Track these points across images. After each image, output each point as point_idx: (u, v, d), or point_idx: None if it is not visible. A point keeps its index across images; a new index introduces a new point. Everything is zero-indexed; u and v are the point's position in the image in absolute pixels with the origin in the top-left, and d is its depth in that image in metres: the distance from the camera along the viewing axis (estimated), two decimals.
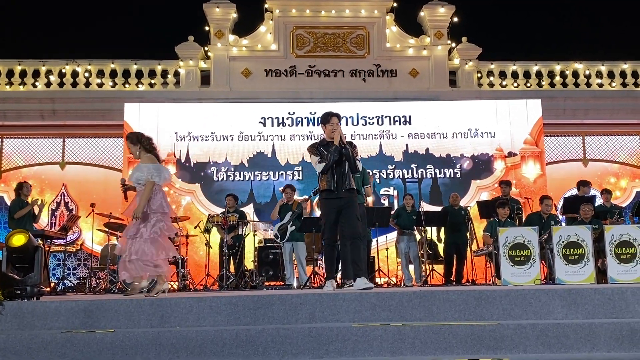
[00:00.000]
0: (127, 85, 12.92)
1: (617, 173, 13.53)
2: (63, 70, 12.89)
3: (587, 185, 10.21)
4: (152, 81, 13.00)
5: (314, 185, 10.43)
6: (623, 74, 13.51)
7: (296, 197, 10.08)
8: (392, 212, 10.23)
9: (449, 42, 13.30)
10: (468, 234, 9.94)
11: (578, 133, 13.63)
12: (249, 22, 13.37)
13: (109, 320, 4.51)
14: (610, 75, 13.51)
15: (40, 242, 9.09)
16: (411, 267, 9.94)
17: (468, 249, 9.97)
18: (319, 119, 6.69)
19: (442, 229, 10.20)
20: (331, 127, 6.13)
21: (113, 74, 12.98)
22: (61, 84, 12.85)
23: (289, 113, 12.32)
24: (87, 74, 12.91)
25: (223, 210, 9.71)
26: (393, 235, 10.46)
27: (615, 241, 7.37)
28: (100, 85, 12.90)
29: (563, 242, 7.41)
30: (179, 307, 4.56)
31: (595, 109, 13.21)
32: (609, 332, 4.22)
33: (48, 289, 8.89)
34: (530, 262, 7.37)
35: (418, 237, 9.92)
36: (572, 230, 7.55)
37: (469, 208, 10.44)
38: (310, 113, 12.31)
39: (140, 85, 12.94)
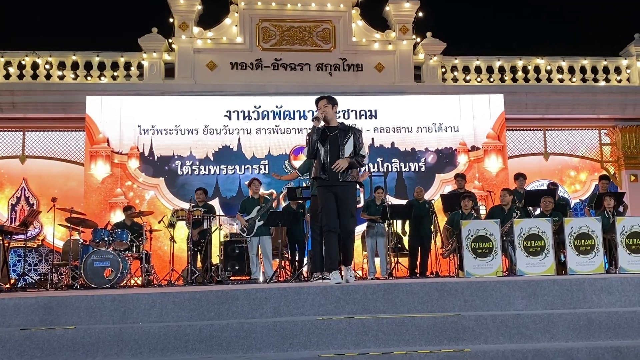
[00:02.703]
0: (89, 78, 12.67)
1: (577, 167, 13.83)
2: (23, 62, 12.58)
3: (520, 179, 10.41)
4: (115, 73, 12.77)
5: (271, 175, 10.42)
6: (583, 70, 13.78)
7: (262, 190, 10.04)
8: (360, 205, 10.27)
9: (414, 37, 13.39)
10: (432, 227, 10.04)
11: (539, 127, 13.88)
12: (214, 14, 13.25)
13: (70, 316, 4.44)
14: (571, 70, 13.77)
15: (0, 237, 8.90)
16: (377, 260, 10.00)
17: (432, 241, 10.08)
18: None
19: (407, 222, 10.29)
20: (318, 110, 5.92)
21: (75, 66, 12.71)
22: (21, 76, 12.54)
23: (255, 106, 12.25)
24: (47, 66, 12.62)
25: (188, 204, 9.60)
26: (359, 228, 10.47)
27: (574, 233, 7.55)
28: (61, 77, 12.62)
29: (524, 234, 7.55)
30: (142, 303, 4.51)
31: (556, 103, 13.46)
32: (567, 322, 4.32)
33: (8, 286, 8.72)
34: (492, 254, 7.49)
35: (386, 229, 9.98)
36: (532, 223, 7.70)
37: (433, 201, 10.54)
38: (277, 106, 12.27)
39: (102, 78, 12.70)
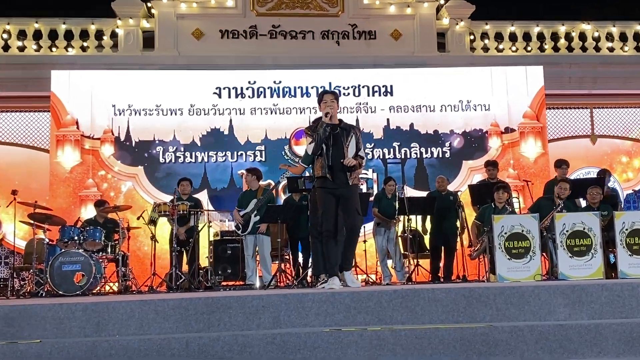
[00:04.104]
0: (54, 49, 12.68)
1: (629, 151, 13.78)
2: None
3: (563, 167, 10.30)
4: (85, 44, 12.77)
5: (278, 167, 10.46)
6: (637, 37, 13.71)
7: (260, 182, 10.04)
8: (371, 199, 10.27)
9: None
10: (458, 223, 10.03)
11: (585, 105, 13.83)
12: None
13: (35, 329, 4.46)
14: (623, 38, 13.70)
15: None
16: (390, 263, 10.02)
17: (458, 240, 10.06)
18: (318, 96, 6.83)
19: (428, 217, 10.29)
20: (324, 105, 6.46)
21: (37, 35, 12.72)
22: None
23: (249, 82, 12.24)
24: (5, 35, 12.63)
25: (172, 197, 9.61)
26: (368, 226, 10.49)
27: (626, 230, 7.50)
28: (21, 49, 12.64)
29: (567, 231, 7.50)
30: (119, 312, 4.54)
31: (605, 77, 13.38)
32: (617, 334, 4.32)
33: None
34: (529, 254, 7.46)
35: (400, 227, 9.98)
36: (577, 218, 7.65)
37: (459, 193, 10.52)
38: (274, 82, 12.25)
39: (70, 49, 12.71)
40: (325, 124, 6.34)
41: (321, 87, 12.24)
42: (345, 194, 6.35)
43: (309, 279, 8.78)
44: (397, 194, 9.89)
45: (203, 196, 11.43)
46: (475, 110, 12.44)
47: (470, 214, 10.08)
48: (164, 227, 10.32)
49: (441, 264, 10.07)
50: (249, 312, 4.60)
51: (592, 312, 4.75)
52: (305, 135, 6.67)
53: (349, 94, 12.27)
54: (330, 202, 6.35)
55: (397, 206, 9.66)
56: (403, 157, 12.25)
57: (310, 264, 9.07)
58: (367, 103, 12.30)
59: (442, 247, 10.05)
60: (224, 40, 12.87)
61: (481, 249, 9.02)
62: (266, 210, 9.05)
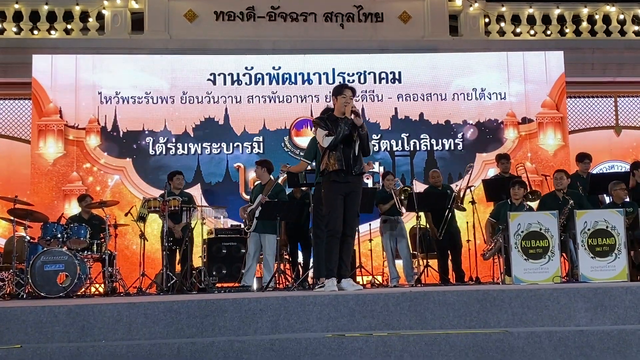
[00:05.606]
0: (36, 32, 12.68)
1: None
2: None
3: (586, 160, 10.27)
4: (69, 26, 12.76)
5: (277, 160, 10.47)
6: None
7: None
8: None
9: None
10: (457, 218, 10.08)
11: (609, 94, 13.80)
12: None
13: (15, 333, 4.47)
14: None
15: None
16: (399, 263, 10.02)
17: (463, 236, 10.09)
18: (332, 90, 6.96)
19: (428, 215, 10.31)
20: (343, 100, 6.70)
21: (17, 17, 12.71)
22: None
23: (246, 68, 12.24)
24: None
25: (162, 192, 9.60)
26: (378, 223, 10.49)
27: None
28: (0, 31, 12.64)
29: (589, 229, 7.49)
30: (105, 316, 4.55)
31: (631, 63, 13.37)
32: None
33: None
34: (548, 255, 7.46)
35: (410, 224, 9.99)
36: (600, 216, 7.64)
37: (473, 188, 10.50)
38: (273, 68, 12.25)
39: (53, 32, 12.71)
40: (346, 120, 6.59)
41: (324, 74, 12.27)
42: (352, 188, 6.68)
43: (309, 280, 8.78)
44: (396, 188, 9.87)
45: (196, 191, 11.43)
46: (490, 99, 12.43)
47: (482, 212, 10.08)
48: (153, 224, 10.33)
49: (449, 265, 10.10)
50: (245, 315, 4.61)
51: (615, 317, 4.75)
52: (314, 126, 6.86)
53: (353, 80, 12.23)
54: (338, 200, 6.62)
55: (401, 199, 9.68)
56: (412, 149, 12.25)
57: (311, 266, 9.08)
58: (373, 91, 12.28)
59: (447, 247, 10.08)
60: (219, 22, 12.85)
61: (495, 248, 9.02)
62: (264, 207, 9.01)
